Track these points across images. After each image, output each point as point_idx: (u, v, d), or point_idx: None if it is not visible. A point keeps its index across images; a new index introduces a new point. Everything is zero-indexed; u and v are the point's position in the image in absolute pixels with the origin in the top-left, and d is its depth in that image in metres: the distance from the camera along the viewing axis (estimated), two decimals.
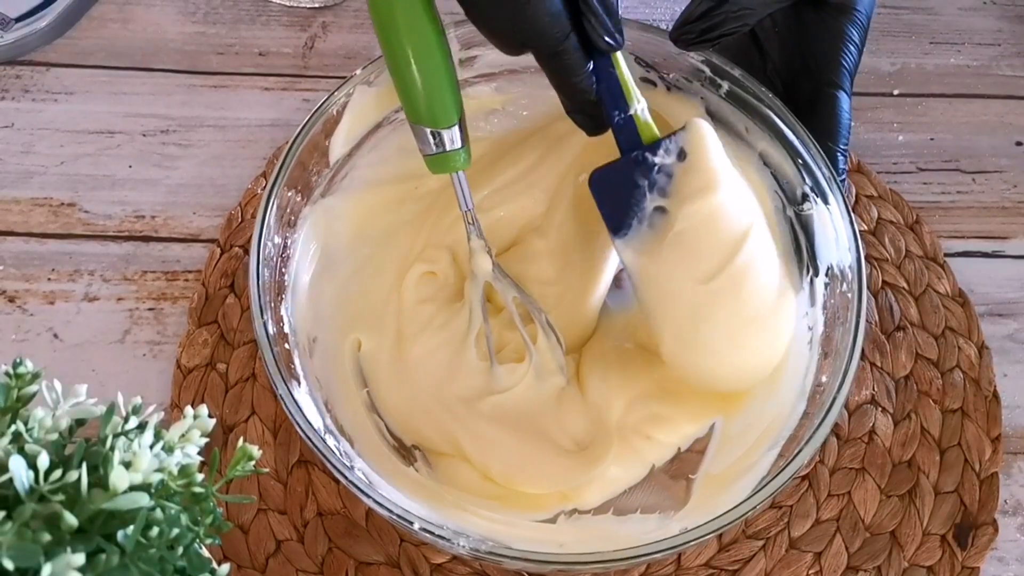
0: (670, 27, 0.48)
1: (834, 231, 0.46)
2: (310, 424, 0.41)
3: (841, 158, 0.48)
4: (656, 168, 0.44)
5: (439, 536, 0.39)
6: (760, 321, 0.45)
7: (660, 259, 0.44)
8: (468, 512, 0.44)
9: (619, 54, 0.43)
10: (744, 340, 0.45)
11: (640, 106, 0.44)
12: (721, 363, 0.46)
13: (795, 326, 0.47)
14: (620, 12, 0.42)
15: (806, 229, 0.49)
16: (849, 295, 0.45)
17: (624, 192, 0.44)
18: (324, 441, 0.41)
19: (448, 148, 0.45)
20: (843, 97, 0.47)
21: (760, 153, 0.50)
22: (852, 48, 0.47)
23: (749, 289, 0.44)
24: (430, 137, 0.44)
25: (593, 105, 0.44)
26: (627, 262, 0.46)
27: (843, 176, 0.47)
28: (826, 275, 0.48)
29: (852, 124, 0.48)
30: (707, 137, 0.44)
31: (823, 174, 0.47)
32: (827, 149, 0.47)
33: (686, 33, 0.46)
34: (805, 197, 0.48)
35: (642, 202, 0.44)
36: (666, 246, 0.44)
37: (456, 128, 0.44)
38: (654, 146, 0.44)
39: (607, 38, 0.41)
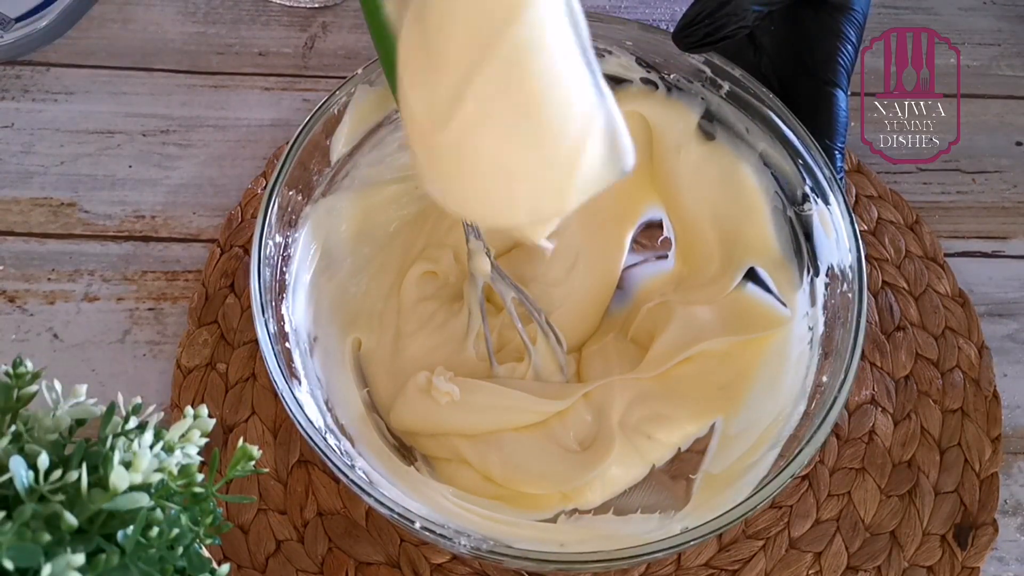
0: (670, 27, 0.48)
1: (834, 231, 0.46)
2: (311, 423, 0.41)
3: (839, 156, 0.48)
4: None
5: (440, 535, 0.39)
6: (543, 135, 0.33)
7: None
8: (468, 511, 0.44)
9: None
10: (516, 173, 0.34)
11: None
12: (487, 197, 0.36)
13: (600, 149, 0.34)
14: (620, 12, 0.42)
15: (806, 229, 0.49)
16: (849, 295, 0.45)
17: None
18: (325, 440, 0.41)
19: None
20: (840, 95, 0.47)
21: (760, 153, 0.50)
22: (849, 47, 0.47)
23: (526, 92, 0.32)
24: None
25: None
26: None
27: (841, 174, 0.47)
28: (826, 275, 0.48)
29: (849, 122, 0.48)
30: None
31: (823, 174, 0.47)
32: (825, 147, 0.47)
33: (689, 36, 0.46)
34: (805, 197, 0.48)
35: None
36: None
37: None
38: None
39: None
